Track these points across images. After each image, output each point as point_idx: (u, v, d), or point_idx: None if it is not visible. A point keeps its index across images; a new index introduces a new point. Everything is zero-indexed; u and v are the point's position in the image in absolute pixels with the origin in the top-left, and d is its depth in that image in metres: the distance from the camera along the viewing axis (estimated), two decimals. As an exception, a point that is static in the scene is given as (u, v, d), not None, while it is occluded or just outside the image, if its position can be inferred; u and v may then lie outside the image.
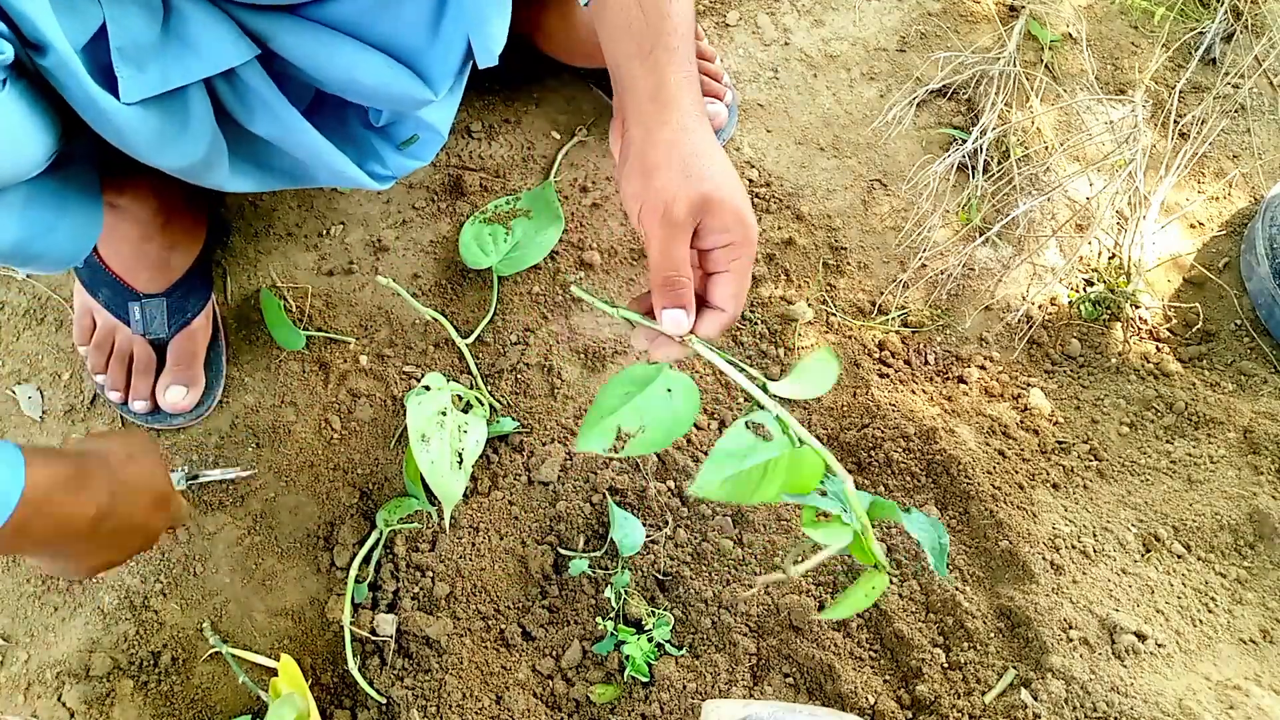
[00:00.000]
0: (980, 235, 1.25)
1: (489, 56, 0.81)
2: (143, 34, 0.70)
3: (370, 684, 0.97)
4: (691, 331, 0.75)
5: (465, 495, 1.03)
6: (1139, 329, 1.22)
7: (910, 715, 0.97)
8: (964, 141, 1.26)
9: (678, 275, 0.73)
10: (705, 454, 1.10)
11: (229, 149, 0.83)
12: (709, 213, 0.74)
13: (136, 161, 0.78)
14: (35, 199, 0.75)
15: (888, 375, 1.16)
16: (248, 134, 0.84)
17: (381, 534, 1.03)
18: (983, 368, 1.19)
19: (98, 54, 0.68)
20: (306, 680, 0.95)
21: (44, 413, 1.09)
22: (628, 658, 0.97)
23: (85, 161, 0.83)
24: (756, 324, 1.18)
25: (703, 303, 0.77)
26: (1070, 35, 1.42)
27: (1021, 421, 1.15)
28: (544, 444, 1.09)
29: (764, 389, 0.71)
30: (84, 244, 0.84)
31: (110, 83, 0.69)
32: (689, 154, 0.76)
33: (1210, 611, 1.04)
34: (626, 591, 1.01)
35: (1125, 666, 0.99)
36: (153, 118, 0.73)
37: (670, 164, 0.75)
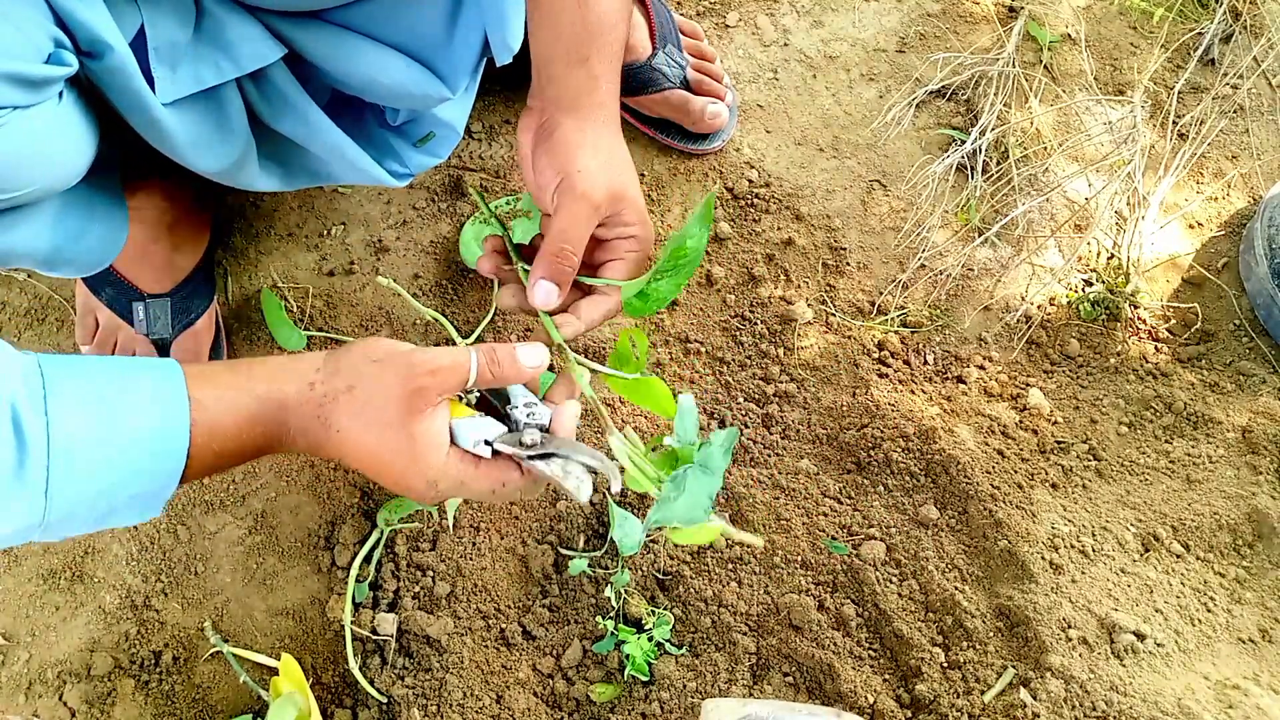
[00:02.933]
0: (979, 235, 1.25)
1: (506, 53, 0.82)
2: (177, 36, 0.72)
3: (371, 683, 0.97)
4: (573, 314, 0.78)
5: (466, 495, 1.03)
6: (1138, 329, 1.23)
7: (910, 714, 0.97)
8: (963, 142, 1.26)
9: (572, 251, 0.75)
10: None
11: (256, 148, 0.85)
12: (622, 205, 0.78)
13: (150, 164, 0.80)
14: (68, 207, 0.77)
15: (887, 375, 1.17)
16: (272, 133, 0.86)
17: (382, 533, 1.03)
18: (982, 368, 1.19)
19: (135, 57, 0.69)
20: (307, 679, 0.95)
21: (45, 413, 1.09)
22: (628, 657, 0.97)
23: (110, 168, 0.84)
24: (756, 324, 1.18)
25: (587, 289, 0.81)
26: (1069, 36, 1.42)
27: (1020, 421, 1.15)
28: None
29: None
30: (112, 248, 0.86)
31: (147, 85, 0.70)
32: (611, 151, 0.79)
33: (1209, 611, 1.05)
34: (626, 591, 1.01)
35: (1124, 666, 0.99)
36: (193, 119, 0.75)
37: (596, 154, 0.77)
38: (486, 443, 0.69)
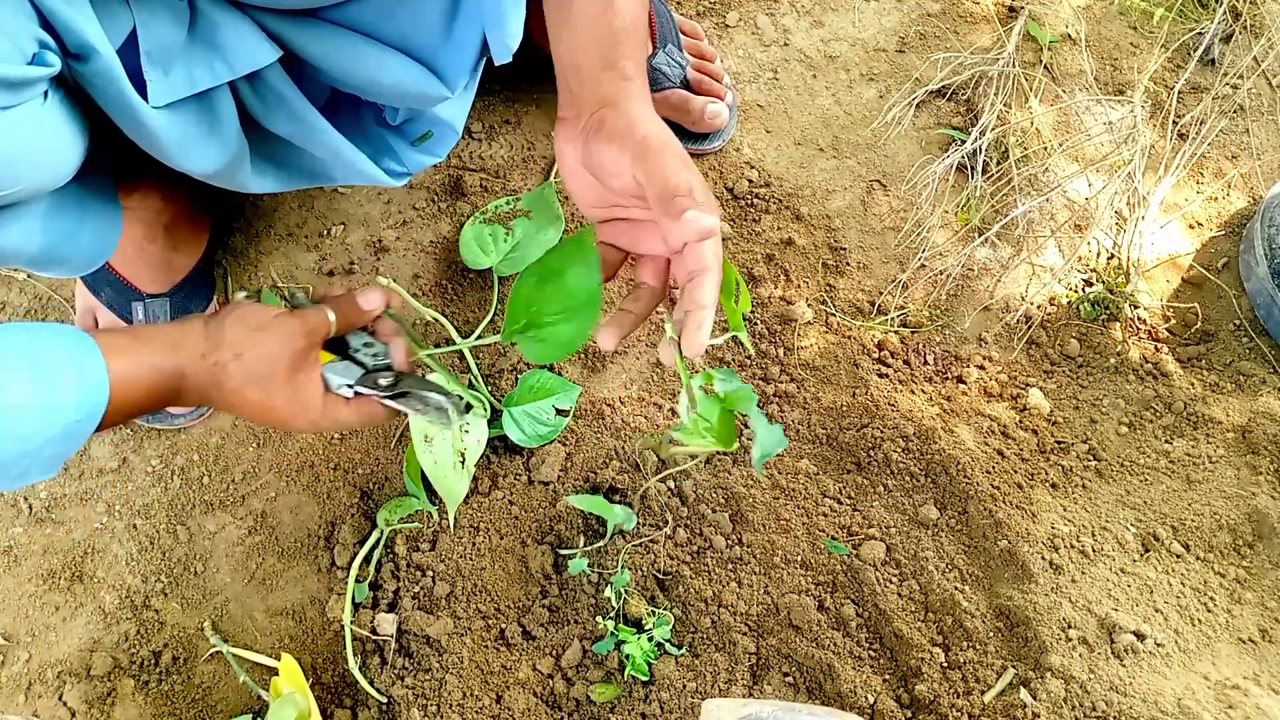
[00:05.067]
0: (979, 235, 1.25)
1: (505, 53, 0.82)
2: (170, 38, 0.72)
3: (371, 683, 0.97)
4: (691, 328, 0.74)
5: (466, 495, 1.03)
6: (1138, 329, 1.23)
7: (909, 714, 0.97)
8: (963, 142, 1.26)
9: (686, 194, 0.69)
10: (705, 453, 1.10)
11: (250, 149, 0.84)
12: (681, 194, 0.71)
13: (146, 164, 0.79)
14: (59, 206, 0.77)
15: (887, 375, 1.17)
16: (268, 134, 0.85)
17: (382, 533, 1.03)
18: (982, 368, 1.19)
19: (126, 59, 0.69)
20: (307, 679, 0.95)
21: (45, 413, 1.09)
22: (628, 657, 0.97)
23: (103, 167, 0.84)
24: (756, 324, 1.18)
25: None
26: (1069, 36, 1.42)
27: (1020, 421, 1.15)
28: (543, 444, 1.09)
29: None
30: (105, 248, 0.86)
31: (139, 88, 0.70)
32: (664, 141, 0.73)
33: (1209, 611, 1.05)
34: (626, 591, 1.01)
35: (1124, 666, 0.99)
36: (182, 121, 0.74)
37: (654, 124, 0.74)
38: (349, 386, 0.82)
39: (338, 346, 0.85)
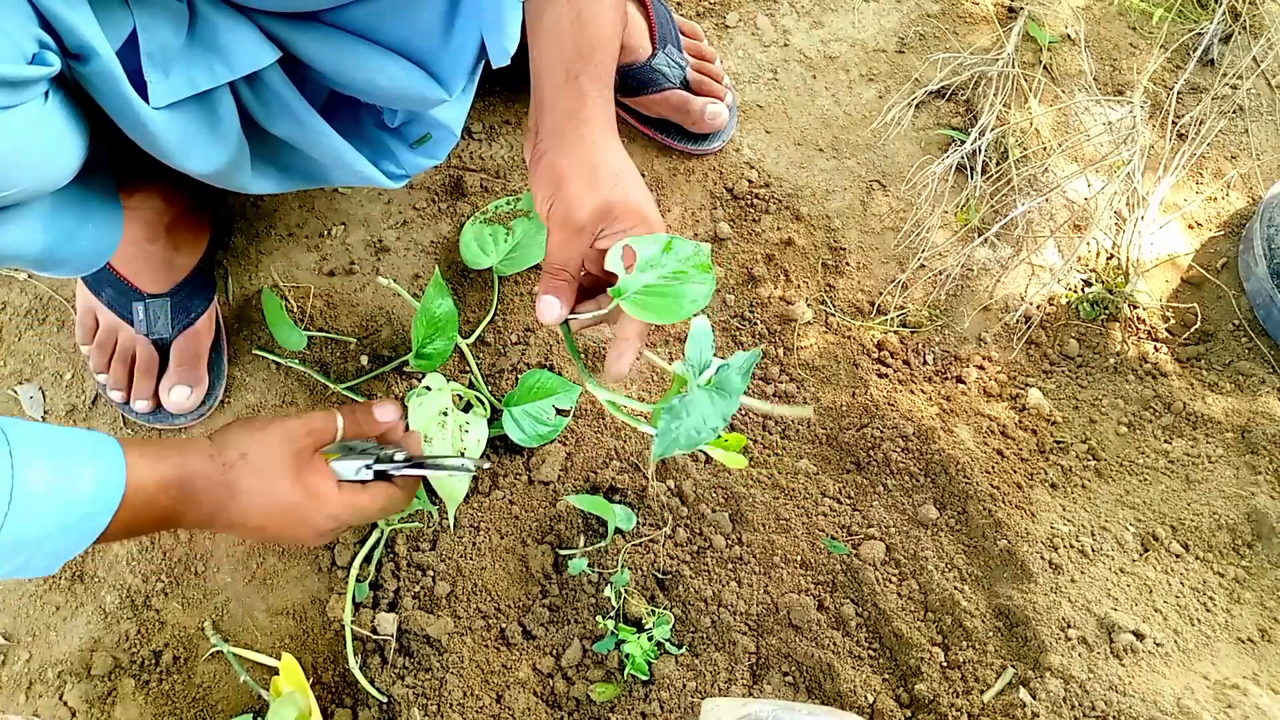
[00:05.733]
0: (979, 236, 1.26)
1: (503, 56, 0.82)
2: (170, 39, 0.72)
3: (371, 682, 0.97)
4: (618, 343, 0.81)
5: (466, 495, 1.03)
6: (1137, 329, 1.23)
7: (909, 714, 0.97)
8: (963, 142, 1.26)
9: (564, 270, 0.80)
10: (705, 454, 1.10)
11: (250, 150, 0.84)
12: (611, 217, 0.79)
13: (147, 164, 0.80)
14: (60, 207, 0.77)
15: (886, 375, 1.17)
16: (267, 135, 0.85)
17: (382, 533, 1.03)
18: (981, 368, 1.19)
19: (127, 60, 0.69)
20: (307, 679, 0.95)
21: (45, 412, 1.09)
22: (628, 656, 0.97)
23: (104, 167, 0.84)
24: (756, 324, 1.18)
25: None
26: (1069, 36, 1.42)
27: (1020, 421, 1.16)
28: (543, 443, 1.09)
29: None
30: (106, 248, 0.86)
31: (139, 89, 0.70)
32: (596, 165, 0.81)
33: (1208, 611, 1.05)
34: (626, 591, 1.01)
35: (1123, 665, 0.99)
36: (183, 122, 0.75)
37: (577, 173, 0.80)
38: (367, 467, 0.83)
39: (353, 453, 0.85)
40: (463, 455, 0.87)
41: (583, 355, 1.16)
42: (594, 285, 0.85)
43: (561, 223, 0.80)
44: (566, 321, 0.82)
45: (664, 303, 0.76)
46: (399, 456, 0.85)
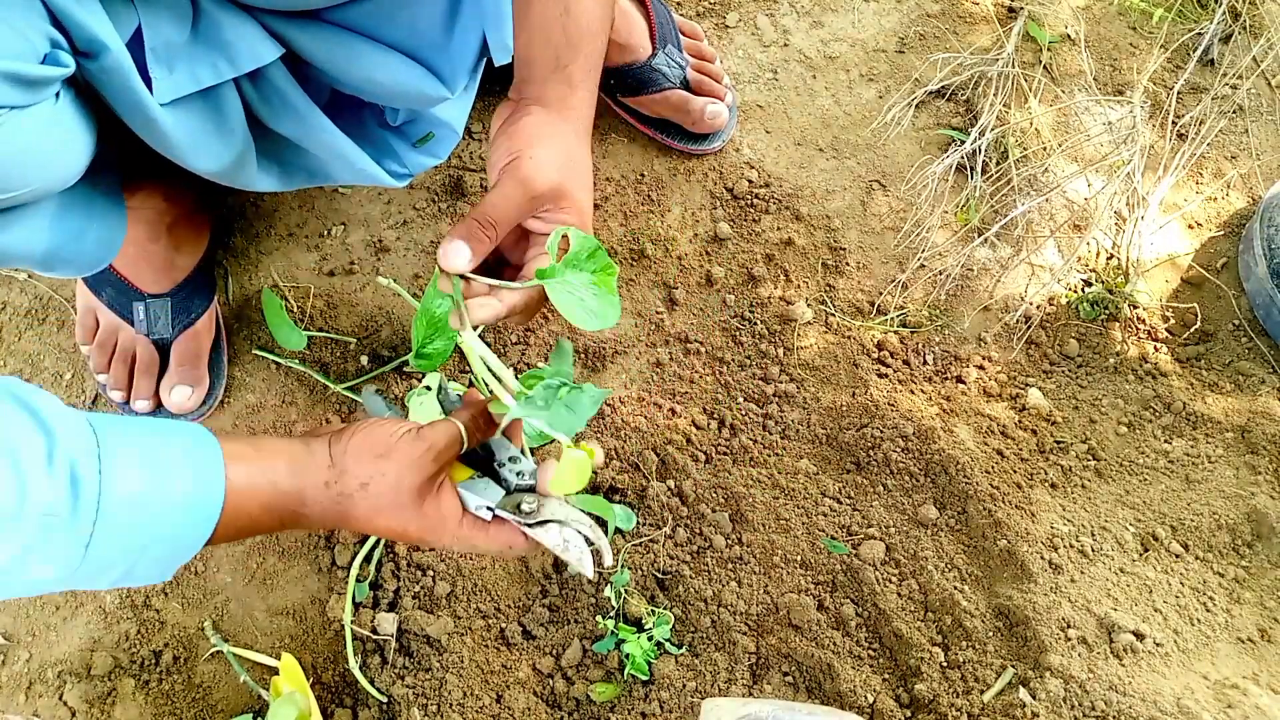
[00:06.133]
0: (979, 236, 1.26)
1: (505, 53, 0.82)
2: (174, 36, 0.73)
3: (371, 682, 0.97)
4: (493, 296, 0.77)
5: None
6: (1137, 329, 1.23)
7: (909, 714, 0.97)
8: (962, 142, 1.26)
9: (493, 224, 0.75)
10: (705, 454, 1.10)
11: (255, 148, 0.85)
12: (560, 201, 0.78)
13: (149, 164, 0.80)
14: (66, 207, 0.77)
15: (886, 375, 1.17)
16: (272, 133, 0.86)
17: (382, 533, 1.03)
18: (981, 368, 1.19)
19: (132, 57, 0.69)
20: (307, 679, 0.95)
21: (46, 412, 1.09)
22: (628, 656, 0.97)
23: (110, 168, 0.84)
24: (756, 324, 1.18)
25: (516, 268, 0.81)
26: (1068, 36, 1.42)
27: (1020, 421, 1.16)
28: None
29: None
30: (111, 248, 0.86)
31: (144, 86, 0.70)
32: (570, 151, 0.79)
33: (1208, 610, 1.05)
34: (626, 590, 1.01)
35: (1123, 665, 0.99)
36: (190, 119, 0.75)
37: (552, 145, 0.78)
38: (489, 509, 0.74)
39: (482, 457, 0.78)
40: (589, 527, 0.76)
41: (585, 355, 1.16)
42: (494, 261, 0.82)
43: (521, 180, 0.77)
44: (461, 276, 0.76)
45: (578, 304, 0.76)
46: (525, 506, 0.75)
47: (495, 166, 0.78)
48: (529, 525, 0.75)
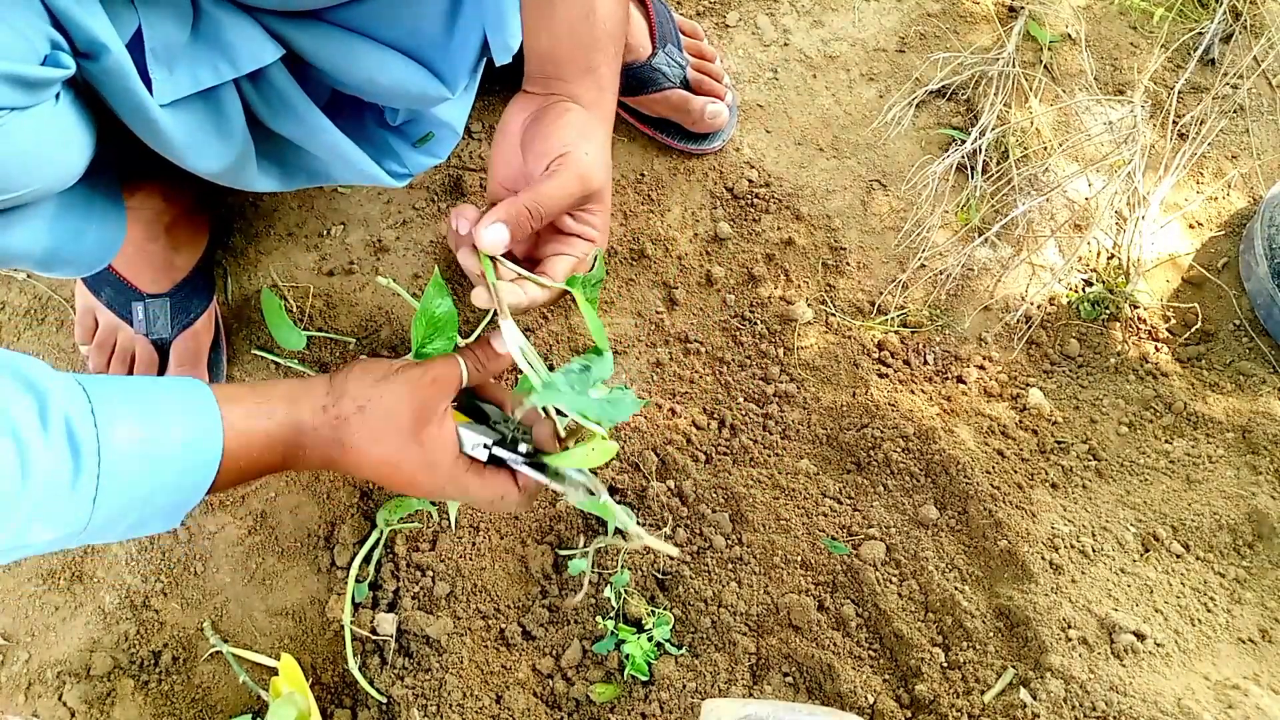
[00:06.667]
0: (979, 235, 1.25)
1: (506, 53, 0.82)
2: (174, 36, 0.72)
3: (370, 683, 0.97)
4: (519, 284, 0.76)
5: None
6: (1138, 329, 1.23)
7: (909, 714, 0.97)
8: (963, 142, 1.26)
9: (541, 214, 0.74)
10: (705, 454, 1.10)
11: (255, 149, 0.85)
12: (599, 206, 0.78)
13: (148, 165, 0.80)
14: (65, 207, 0.77)
15: (887, 375, 1.17)
16: (271, 134, 0.85)
17: (381, 533, 1.03)
18: (981, 368, 1.19)
19: (132, 58, 0.69)
20: (307, 679, 0.95)
21: (45, 413, 1.09)
22: (627, 657, 0.97)
23: (109, 168, 0.84)
24: (756, 324, 1.18)
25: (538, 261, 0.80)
26: (1069, 36, 1.42)
27: (1020, 421, 1.15)
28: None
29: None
30: (110, 249, 0.86)
31: (144, 87, 0.70)
32: (607, 151, 0.79)
33: (1209, 611, 1.05)
34: (626, 591, 1.01)
35: (1124, 666, 0.99)
36: (190, 120, 0.75)
37: (602, 149, 0.77)
38: (485, 447, 0.73)
39: (475, 417, 0.77)
40: (589, 476, 0.76)
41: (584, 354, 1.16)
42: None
43: (579, 176, 0.74)
44: (492, 259, 0.75)
45: (595, 319, 0.78)
46: (522, 448, 0.75)
47: (542, 156, 0.76)
48: (527, 464, 0.74)
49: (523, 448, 0.74)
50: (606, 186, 0.78)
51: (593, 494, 0.74)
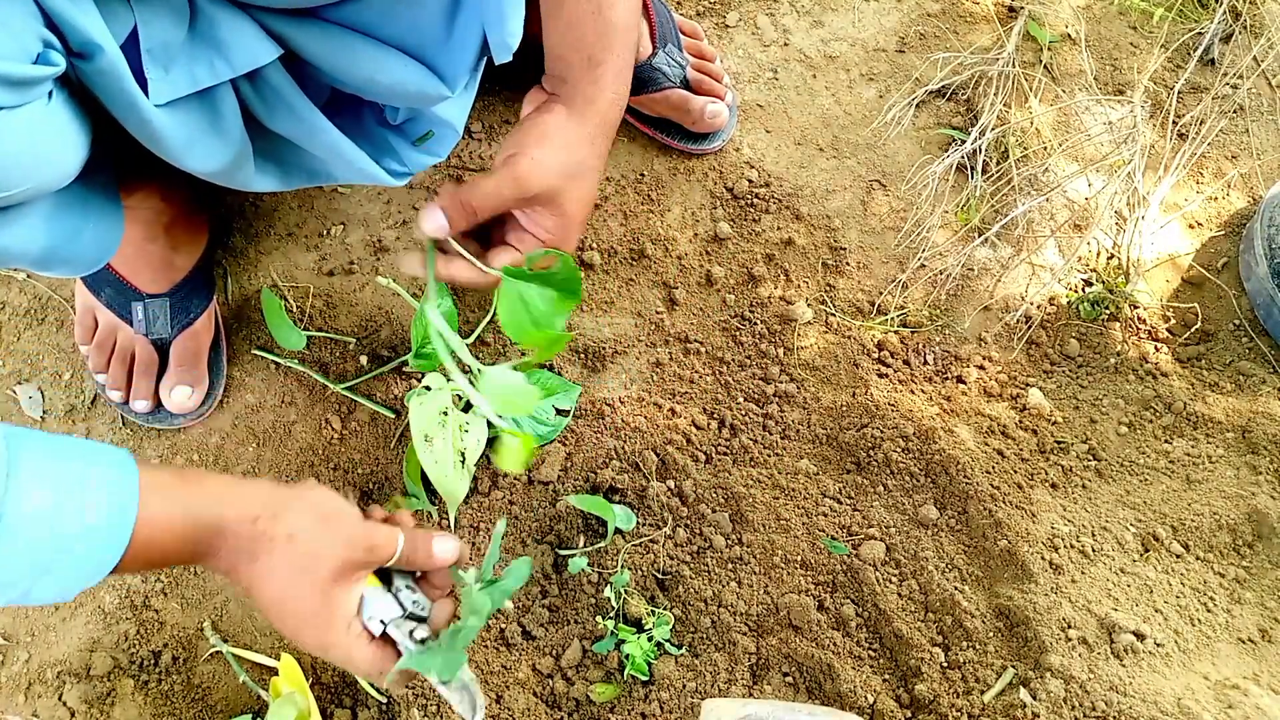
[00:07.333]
0: (979, 235, 1.25)
1: (505, 52, 0.82)
2: (170, 36, 0.72)
3: (370, 683, 0.97)
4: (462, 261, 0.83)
5: (466, 495, 1.03)
6: (1138, 329, 1.23)
7: (909, 714, 0.97)
8: (963, 142, 1.26)
9: (476, 209, 0.81)
10: (705, 454, 1.10)
11: (252, 148, 0.84)
12: (554, 209, 0.82)
13: (147, 163, 0.79)
14: (61, 207, 0.77)
15: (887, 375, 1.17)
16: (269, 133, 0.85)
17: (382, 533, 1.03)
18: (981, 368, 1.19)
19: (127, 58, 0.69)
20: (307, 679, 0.95)
21: (44, 413, 1.09)
22: (627, 657, 0.97)
23: (106, 167, 0.84)
24: (756, 324, 1.18)
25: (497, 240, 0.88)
26: (1069, 36, 1.42)
27: (1020, 421, 1.15)
28: (544, 443, 1.09)
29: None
30: (108, 248, 0.86)
31: (140, 86, 0.70)
32: (578, 154, 0.83)
33: (1209, 611, 1.05)
34: (626, 591, 1.01)
35: (1124, 666, 0.99)
36: (186, 120, 0.74)
37: (559, 148, 0.81)
38: (382, 622, 0.73)
39: (382, 578, 0.77)
40: (465, 687, 0.75)
41: (584, 355, 1.16)
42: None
43: (515, 178, 0.80)
44: (435, 243, 0.83)
45: (522, 313, 0.84)
46: (418, 634, 0.75)
47: (503, 153, 0.82)
48: (416, 652, 0.73)
49: (417, 634, 0.74)
50: (565, 192, 0.82)
51: (473, 700, 0.74)
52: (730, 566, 1.04)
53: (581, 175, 0.83)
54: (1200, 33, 1.40)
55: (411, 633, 0.74)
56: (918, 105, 1.34)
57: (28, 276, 1.16)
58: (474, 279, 0.84)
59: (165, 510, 0.64)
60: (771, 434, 1.12)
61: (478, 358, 1.13)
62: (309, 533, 0.69)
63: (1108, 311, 1.22)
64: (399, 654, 0.74)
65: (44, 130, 0.66)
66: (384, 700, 0.97)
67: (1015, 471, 1.11)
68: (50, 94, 0.66)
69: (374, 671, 0.73)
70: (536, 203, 0.81)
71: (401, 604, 0.75)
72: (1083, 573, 1.05)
